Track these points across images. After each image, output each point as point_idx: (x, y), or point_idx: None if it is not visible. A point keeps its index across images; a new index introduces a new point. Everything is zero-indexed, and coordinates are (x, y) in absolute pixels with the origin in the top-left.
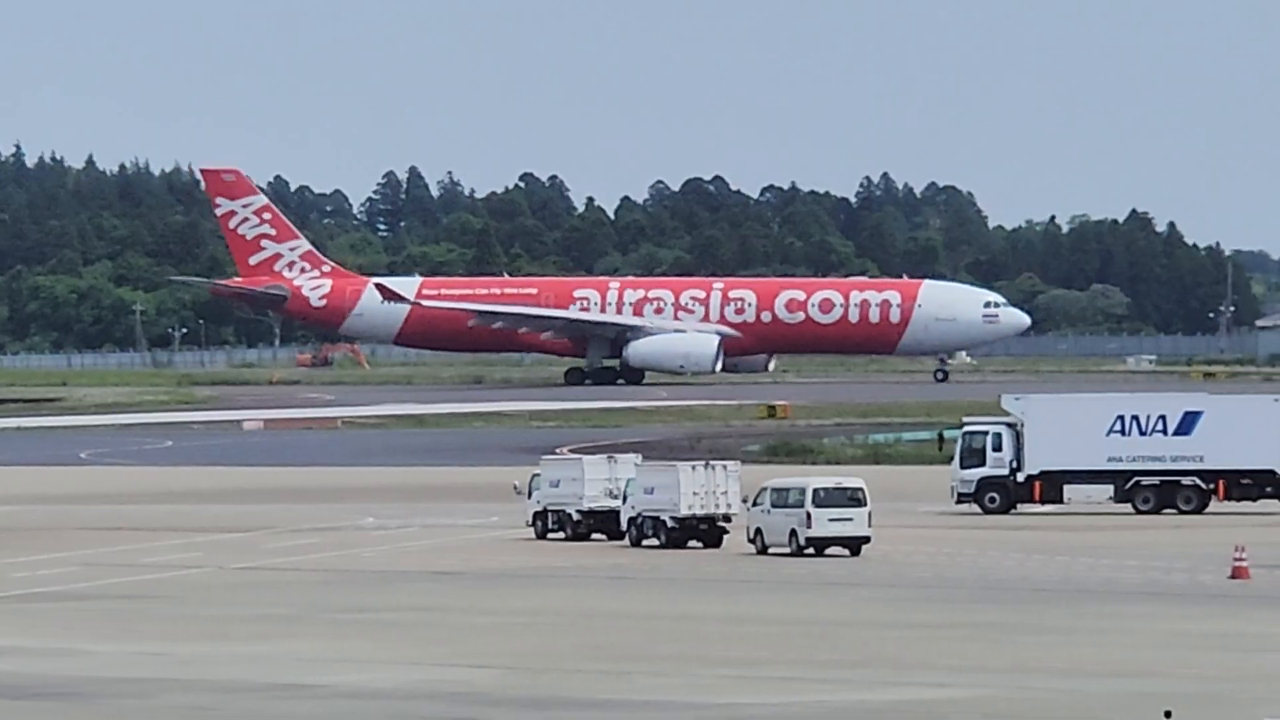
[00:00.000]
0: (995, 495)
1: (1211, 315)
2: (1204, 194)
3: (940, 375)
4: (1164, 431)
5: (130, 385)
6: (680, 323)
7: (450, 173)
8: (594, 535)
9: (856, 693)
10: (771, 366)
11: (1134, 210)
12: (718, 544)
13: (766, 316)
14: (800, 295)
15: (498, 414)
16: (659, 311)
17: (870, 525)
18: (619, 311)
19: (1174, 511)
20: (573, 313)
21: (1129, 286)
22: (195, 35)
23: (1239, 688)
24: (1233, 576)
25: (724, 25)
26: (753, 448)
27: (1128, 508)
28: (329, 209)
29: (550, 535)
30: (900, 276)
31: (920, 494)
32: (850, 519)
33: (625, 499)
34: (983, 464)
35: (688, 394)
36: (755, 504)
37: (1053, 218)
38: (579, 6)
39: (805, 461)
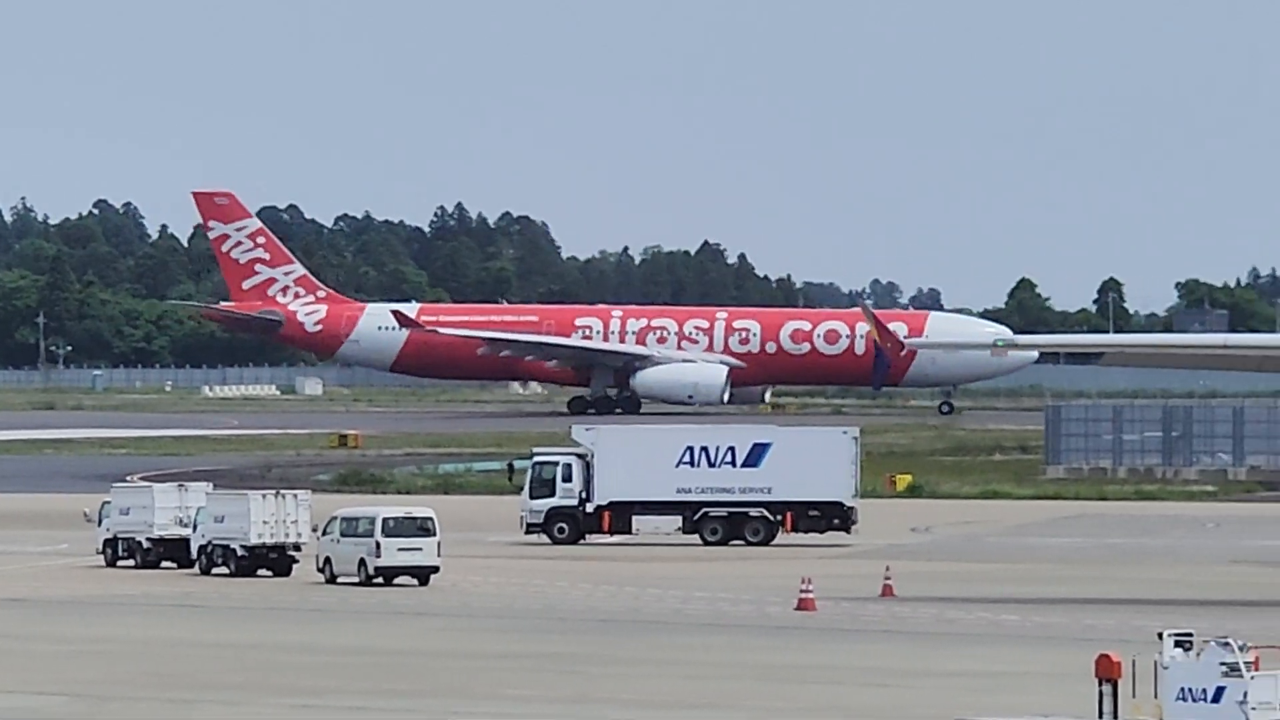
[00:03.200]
0: (564, 525)
1: None
2: (774, 226)
3: (946, 408)
4: (733, 463)
5: None
6: (685, 352)
7: (24, 199)
8: (164, 563)
9: None
10: (767, 398)
11: (706, 241)
12: (287, 573)
13: (771, 347)
14: (805, 326)
15: (68, 441)
16: (662, 341)
17: (439, 555)
18: (621, 340)
19: (742, 543)
20: (581, 341)
21: None
22: None
23: None
24: (799, 608)
25: (294, 50)
26: (323, 477)
27: (696, 539)
28: None
29: (120, 563)
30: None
31: (490, 524)
32: (420, 549)
33: (195, 527)
34: (552, 494)
35: (269, 423)
36: (325, 533)
37: (626, 248)
38: (158, 32)
39: (375, 491)
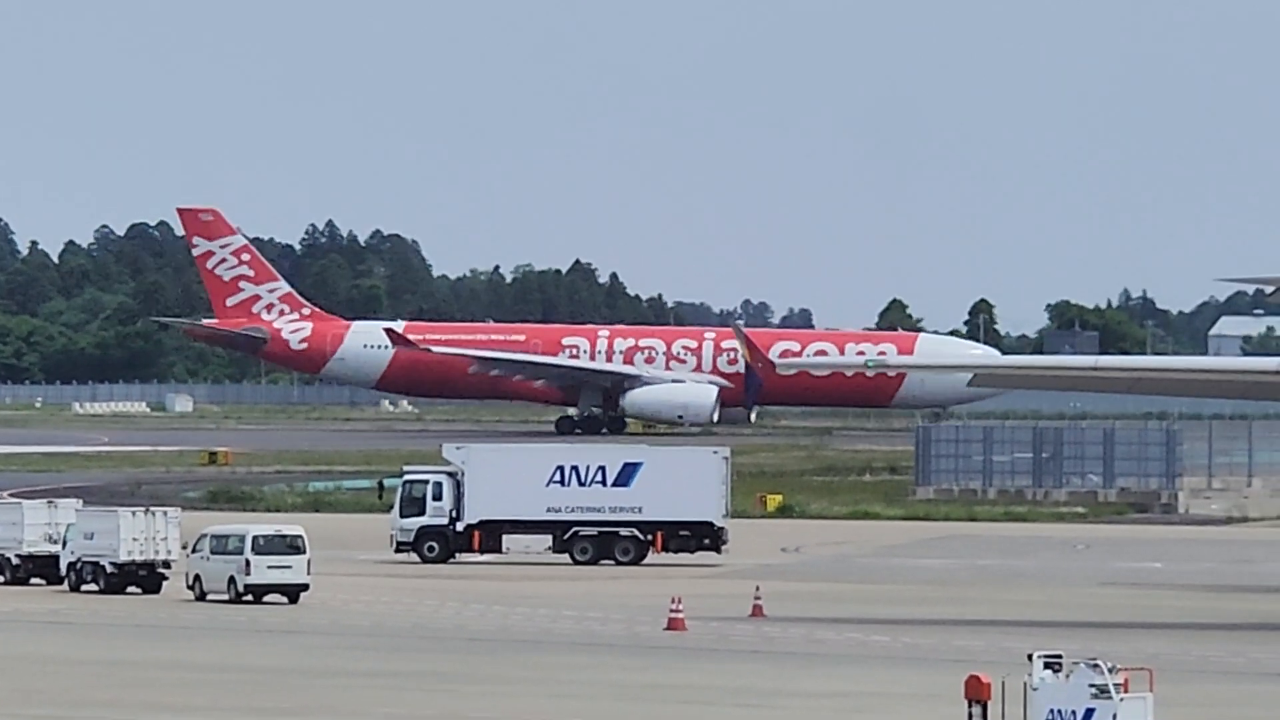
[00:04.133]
0: (434, 544)
1: None
2: (646, 245)
3: None
4: (603, 482)
5: None
6: (673, 372)
7: None
8: (33, 580)
9: None
10: (753, 418)
11: (577, 260)
12: (157, 590)
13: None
14: (795, 346)
15: None
16: (650, 361)
17: (309, 573)
18: (609, 360)
19: (612, 562)
20: (570, 360)
21: None
22: None
23: None
24: (668, 628)
25: (162, 65)
26: (193, 494)
27: (566, 558)
28: None
29: None
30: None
31: (360, 542)
32: (289, 566)
33: (65, 544)
34: (423, 513)
35: (139, 440)
36: (195, 550)
37: (497, 267)
38: (19, 44)
39: (246, 508)
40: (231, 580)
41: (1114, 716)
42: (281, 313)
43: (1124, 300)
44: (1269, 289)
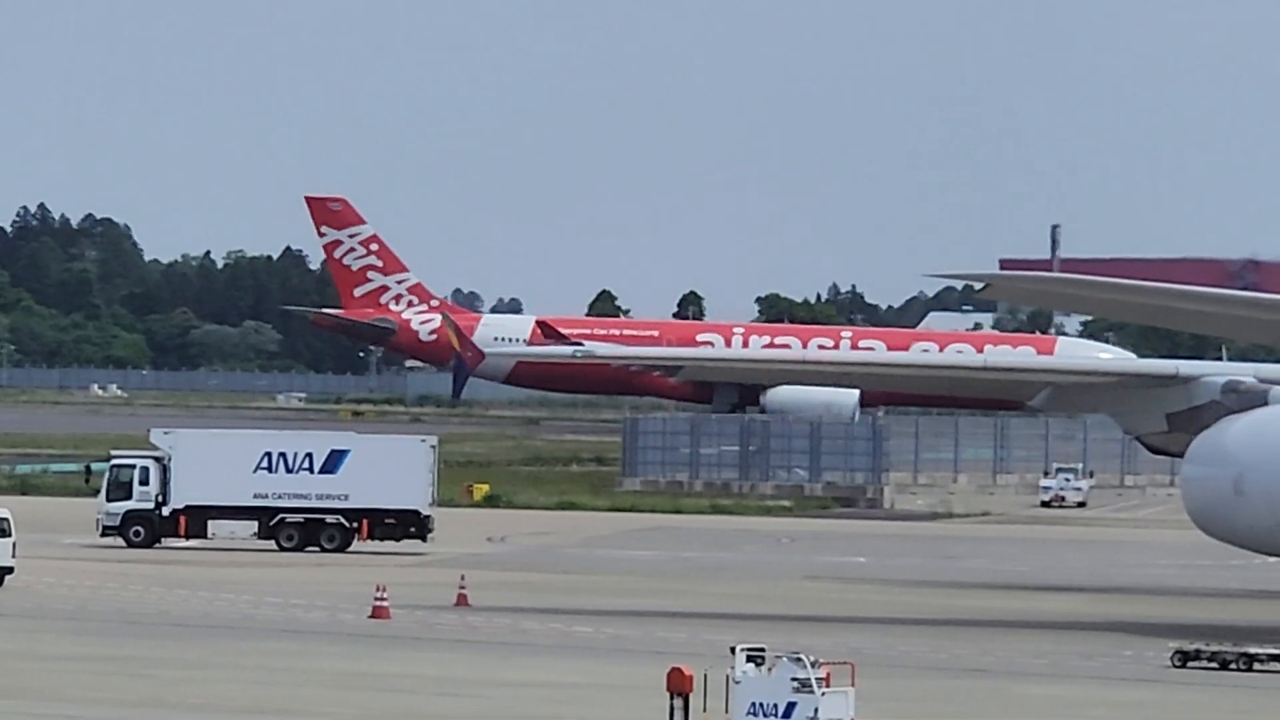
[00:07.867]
0: (140, 529)
1: (362, 355)
2: None
3: None
4: (310, 469)
5: None
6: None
7: None
8: None
9: None
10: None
11: (289, 247)
12: None
13: None
14: (933, 348)
15: None
16: None
17: (14, 556)
18: None
19: (318, 549)
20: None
21: (281, 323)
22: None
23: None
24: (373, 616)
25: None
26: None
27: (272, 544)
28: None
29: None
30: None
31: (66, 526)
32: None
33: None
34: (129, 497)
35: None
36: None
37: (208, 253)
38: None
39: None
40: None
41: (815, 710)
42: (410, 303)
43: (833, 294)
44: (977, 284)
